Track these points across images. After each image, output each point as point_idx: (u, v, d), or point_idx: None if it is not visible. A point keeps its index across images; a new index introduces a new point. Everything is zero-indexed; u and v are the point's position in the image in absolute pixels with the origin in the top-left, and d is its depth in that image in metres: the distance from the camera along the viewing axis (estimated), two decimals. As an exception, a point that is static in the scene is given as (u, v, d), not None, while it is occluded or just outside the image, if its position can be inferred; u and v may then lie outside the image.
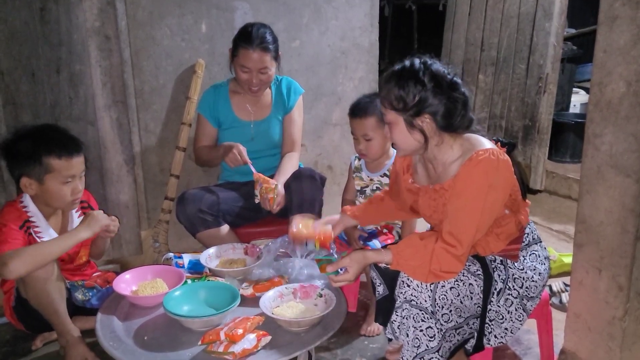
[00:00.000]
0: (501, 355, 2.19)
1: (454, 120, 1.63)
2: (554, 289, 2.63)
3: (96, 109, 2.63)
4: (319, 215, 2.50)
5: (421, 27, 6.57)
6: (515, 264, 1.76)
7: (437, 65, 1.62)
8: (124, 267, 2.78)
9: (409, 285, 1.67)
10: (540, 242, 1.86)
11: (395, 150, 2.36)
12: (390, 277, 1.78)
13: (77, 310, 2.21)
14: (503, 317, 1.74)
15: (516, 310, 1.74)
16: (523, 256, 1.78)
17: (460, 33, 4.54)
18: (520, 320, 1.76)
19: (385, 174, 2.36)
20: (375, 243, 2.29)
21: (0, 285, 2.22)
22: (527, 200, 1.82)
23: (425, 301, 1.64)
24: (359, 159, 2.44)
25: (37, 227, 2.06)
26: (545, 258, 1.83)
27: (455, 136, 1.68)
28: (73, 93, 2.58)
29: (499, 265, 1.75)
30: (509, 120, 4.24)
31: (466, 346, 1.77)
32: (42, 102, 2.54)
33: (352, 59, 3.22)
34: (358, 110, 2.28)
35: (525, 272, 1.75)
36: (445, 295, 1.65)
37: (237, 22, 2.86)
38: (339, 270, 1.79)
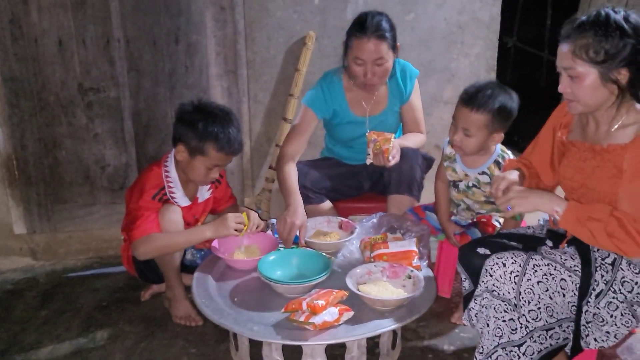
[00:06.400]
0: (608, 363, 1.99)
1: None
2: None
3: (209, 78, 2.75)
4: (417, 197, 2.40)
5: (556, 3, 6.06)
6: (631, 265, 1.57)
7: (636, 17, 1.53)
8: (228, 231, 2.90)
9: (491, 275, 1.60)
10: None
11: (497, 147, 2.17)
12: (476, 273, 1.71)
13: (184, 268, 2.34)
14: (604, 320, 1.58)
15: (622, 315, 1.57)
16: None
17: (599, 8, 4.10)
18: (627, 326, 1.58)
19: (484, 172, 2.15)
20: (475, 232, 2.16)
21: (123, 233, 2.39)
22: None
23: (509, 293, 1.56)
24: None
25: (173, 192, 2.21)
26: None
27: (633, 102, 1.59)
28: (189, 62, 2.72)
29: (607, 265, 1.59)
30: None
31: (565, 349, 1.63)
32: (161, 69, 2.70)
33: (469, 33, 3.04)
34: (472, 102, 2.02)
35: (641, 276, 1.56)
36: (531, 289, 1.55)
37: (350, -7, 2.82)
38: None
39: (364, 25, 2.23)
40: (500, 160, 2.13)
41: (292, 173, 2.34)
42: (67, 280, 2.67)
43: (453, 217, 2.30)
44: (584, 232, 1.53)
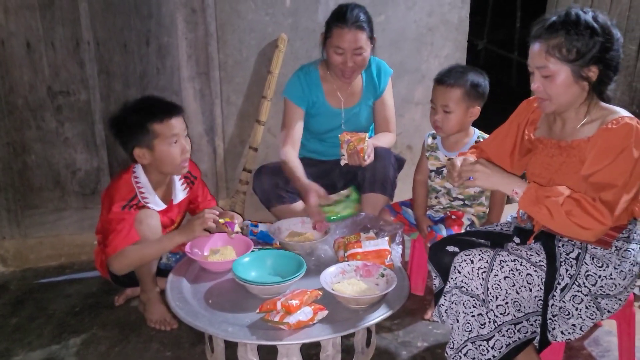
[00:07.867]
0: (575, 355, 2.05)
1: (615, 75, 1.61)
2: (644, 291, 2.40)
3: (181, 80, 2.74)
4: (390, 196, 2.44)
5: (525, 6, 6.19)
6: (594, 259, 1.62)
7: (603, 17, 1.59)
8: (202, 233, 2.88)
9: (459, 272, 1.64)
10: (638, 244, 1.71)
11: (475, 131, 2.27)
12: (447, 271, 1.74)
13: (159, 272, 2.33)
14: (570, 313, 1.63)
15: (587, 307, 1.62)
16: (617, 247, 1.64)
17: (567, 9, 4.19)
18: (592, 318, 1.63)
19: None
20: (441, 228, 2.20)
21: (97, 236, 2.36)
22: None
23: (477, 288, 1.60)
24: (434, 138, 2.34)
25: (146, 197, 2.19)
26: (636, 261, 1.68)
27: (598, 100, 1.65)
28: (160, 64, 2.70)
29: (571, 260, 1.63)
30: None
31: (534, 342, 1.68)
32: (132, 72, 2.68)
33: (439, 35, 3.09)
34: (446, 78, 2.16)
35: (604, 270, 1.61)
36: (498, 284, 1.59)
37: (321, -4, 2.83)
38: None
39: (344, 16, 2.34)
40: None
41: (292, 168, 2.41)
42: (39, 286, 2.63)
43: (427, 212, 2.35)
44: (542, 210, 1.56)
